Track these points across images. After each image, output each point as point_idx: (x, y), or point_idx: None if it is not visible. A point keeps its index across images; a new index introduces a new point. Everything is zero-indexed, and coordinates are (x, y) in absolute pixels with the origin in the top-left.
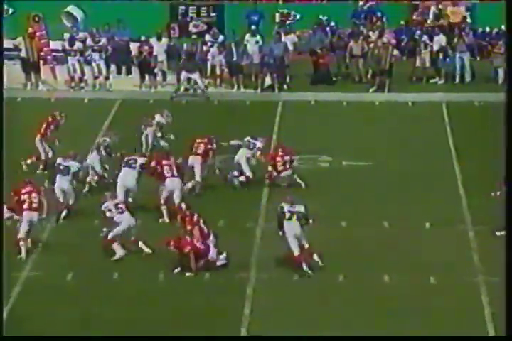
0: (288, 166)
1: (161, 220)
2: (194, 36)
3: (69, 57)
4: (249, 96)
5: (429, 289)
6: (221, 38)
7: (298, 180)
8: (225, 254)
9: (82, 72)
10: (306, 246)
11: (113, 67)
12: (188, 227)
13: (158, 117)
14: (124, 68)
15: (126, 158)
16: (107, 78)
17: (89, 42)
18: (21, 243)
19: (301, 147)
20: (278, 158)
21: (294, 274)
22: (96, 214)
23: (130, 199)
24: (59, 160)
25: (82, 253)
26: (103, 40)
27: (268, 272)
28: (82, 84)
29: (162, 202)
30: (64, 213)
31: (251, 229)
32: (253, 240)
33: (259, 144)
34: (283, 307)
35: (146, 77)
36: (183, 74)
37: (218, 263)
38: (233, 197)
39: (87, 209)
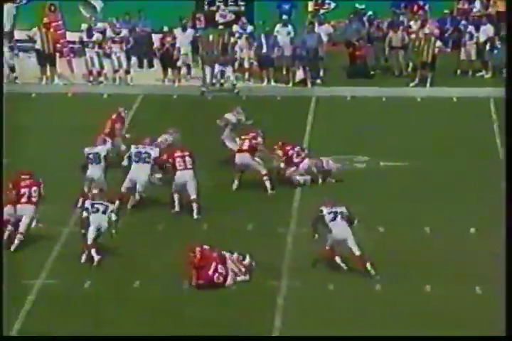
0: (303, 156)
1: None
2: (221, 27)
3: (87, 49)
4: (280, 92)
5: (475, 299)
6: (250, 28)
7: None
8: (248, 260)
9: (101, 66)
10: (357, 253)
11: (134, 59)
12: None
13: (228, 115)
14: (145, 61)
15: (135, 151)
16: (127, 72)
17: (108, 33)
18: (19, 236)
19: (336, 146)
20: (290, 152)
21: (329, 283)
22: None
23: (137, 196)
24: (86, 149)
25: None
26: (124, 31)
27: (301, 280)
28: (101, 78)
29: (176, 203)
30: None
31: (282, 234)
32: (284, 246)
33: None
34: (316, 318)
35: (169, 70)
36: (217, 68)
37: (239, 278)
38: (263, 199)
39: None
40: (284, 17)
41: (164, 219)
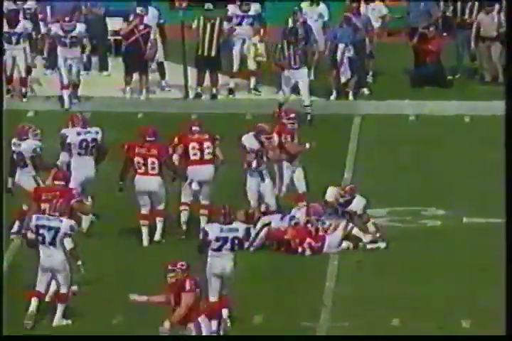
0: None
1: (145, 243)
2: (209, 6)
3: (7, 47)
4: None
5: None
6: (256, 8)
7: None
8: None
9: (29, 69)
10: (213, 299)
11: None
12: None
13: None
14: (94, 60)
15: (79, 139)
16: (75, 86)
17: (55, 29)
18: None
19: (394, 193)
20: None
21: None
22: None
23: (89, 200)
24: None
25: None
26: (79, 27)
27: None
28: (25, 90)
29: (143, 212)
30: None
31: (309, 329)
32: None
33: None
34: None
35: (134, 75)
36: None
37: None
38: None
39: None
40: None
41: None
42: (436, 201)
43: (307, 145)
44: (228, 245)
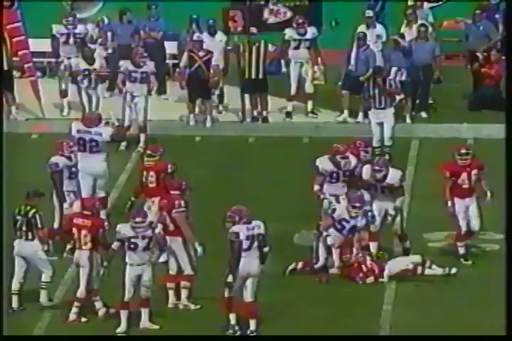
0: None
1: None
2: (253, 30)
3: (83, 84)
4: (361, 130)
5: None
6: (313, 31)
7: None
8: None
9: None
10: (250, 299)
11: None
12: None
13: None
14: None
15: (78, 136)
16: (142, 129)
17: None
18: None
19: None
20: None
21: None
22: None
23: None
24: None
25: None
26: (148, 67)
27: None
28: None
29: None
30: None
31: None
32: None
33: None
34: None
35: (198, 101)
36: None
37: None
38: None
39: None
40: (369, 13)
41: None
42: (494, 225)
43: (488, 195)
44: (256, 243)
